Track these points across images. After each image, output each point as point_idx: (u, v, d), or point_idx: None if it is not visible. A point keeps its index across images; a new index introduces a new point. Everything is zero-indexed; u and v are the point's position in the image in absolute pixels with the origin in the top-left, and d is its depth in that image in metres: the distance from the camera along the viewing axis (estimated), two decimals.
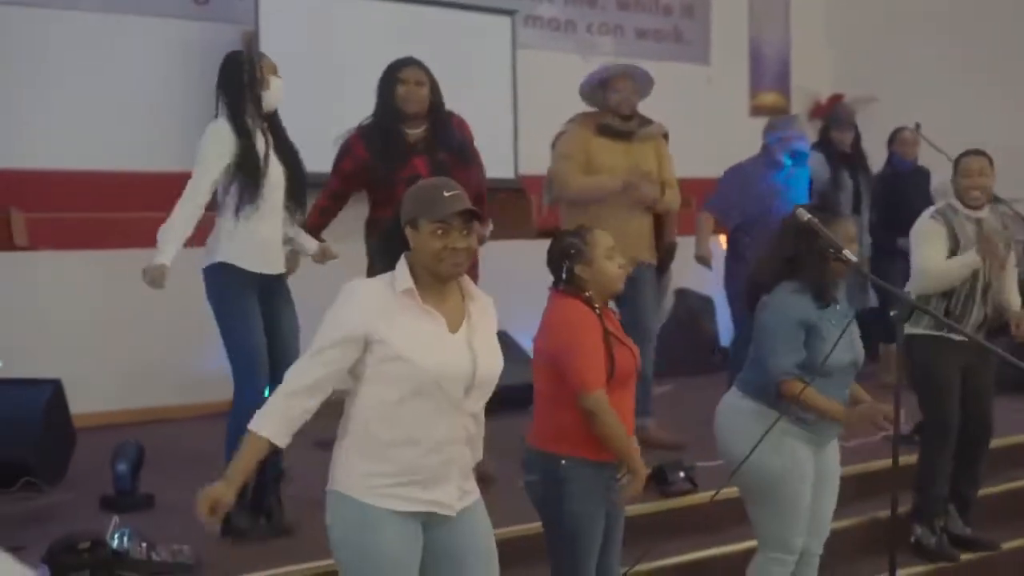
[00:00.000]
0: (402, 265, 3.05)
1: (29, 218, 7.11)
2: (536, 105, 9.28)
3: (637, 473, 3.72)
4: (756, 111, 11.09)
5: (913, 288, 5.25)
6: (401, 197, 4.97)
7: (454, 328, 3.06)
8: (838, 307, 4.15)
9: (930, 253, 5.19)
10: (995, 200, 5.66)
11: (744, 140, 7.58)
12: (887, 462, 4.31)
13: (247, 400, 4.41)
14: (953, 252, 5.20)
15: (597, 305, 3.81)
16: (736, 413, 4.21)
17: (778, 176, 6.74)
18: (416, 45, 8.56)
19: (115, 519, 4.37)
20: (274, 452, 4.45)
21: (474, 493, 3.20)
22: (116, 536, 4.26)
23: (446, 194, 3.03)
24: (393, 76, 5.39)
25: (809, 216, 3.83)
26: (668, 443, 5.88)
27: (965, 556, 5.43)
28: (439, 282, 3.05)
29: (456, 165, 5.31)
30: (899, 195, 7.97)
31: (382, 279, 3.06)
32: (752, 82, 11.40)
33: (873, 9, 11.34)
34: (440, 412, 3.01)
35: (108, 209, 7.38)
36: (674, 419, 6.38)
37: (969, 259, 5.19)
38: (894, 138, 8.20)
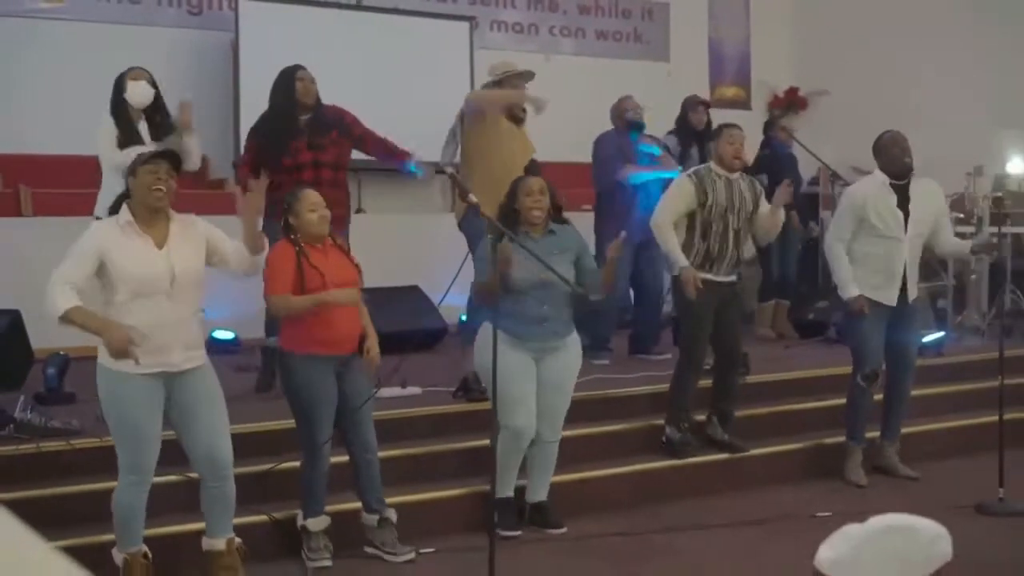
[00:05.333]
0: (124, 208, 4.57)
1: (35, 192, 8.76)
2: None
3: (335, 299, 5.13)
4: (716, 103, 12.23)
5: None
6: (284, 180, 6.60)
7: (160, 245, 4.58)
8: (537, 241, 5.56)
9: (667, 206, 6.52)
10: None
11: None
12: None
13: None
14: (702, 203, 6.47)
15: (303, 243, 5.23)
16: (478, 333, 5.69)
17: (628, 143, 8.13)
18: (383, 51, 10.10)
19: (22, 397, 5.97)
20: None
21: (199, 359, 4.73)
22: (20, 408, 5.84)
23: (154, 152, 4.60)
24: (292, 76, 6.91)
25: (452, 171, 5.26)
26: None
27: (717, 456, 6.71)
28: (150, 214, 4.56)
29: (335, 143, 6.85)
30: (776, 174, 9.24)
31: (110, 220, 4.59)
32: (712, 76, 12.63)
33: (832, 6, 12.46)
34: (156, 302, 4.52)
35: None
36: None
37: (676, 261, 6.48)
38: (774, 124, 9.45)
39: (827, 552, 2.57)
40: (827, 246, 6.84)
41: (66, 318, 4.34)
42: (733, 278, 6.67)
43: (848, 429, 6.82)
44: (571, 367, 5.85)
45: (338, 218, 6.98)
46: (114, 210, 4.66)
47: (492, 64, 7.86)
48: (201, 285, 4.74)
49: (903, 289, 6.63)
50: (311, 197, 5.30)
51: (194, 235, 4.73)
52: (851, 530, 2.59)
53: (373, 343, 5.32)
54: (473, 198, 5.17)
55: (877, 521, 2.61)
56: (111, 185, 6.10)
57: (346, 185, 7.03)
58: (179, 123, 6.50)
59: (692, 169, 6.76)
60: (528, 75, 7.72)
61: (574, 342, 5.85)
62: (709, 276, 6.52)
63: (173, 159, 4.65)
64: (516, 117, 7.52)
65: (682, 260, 6.45)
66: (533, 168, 5.82)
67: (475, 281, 5.61)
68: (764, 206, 6.72)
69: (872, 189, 6.58)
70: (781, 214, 6.74)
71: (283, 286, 5.18)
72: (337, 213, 7.01)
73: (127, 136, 6.17)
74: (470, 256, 6.94)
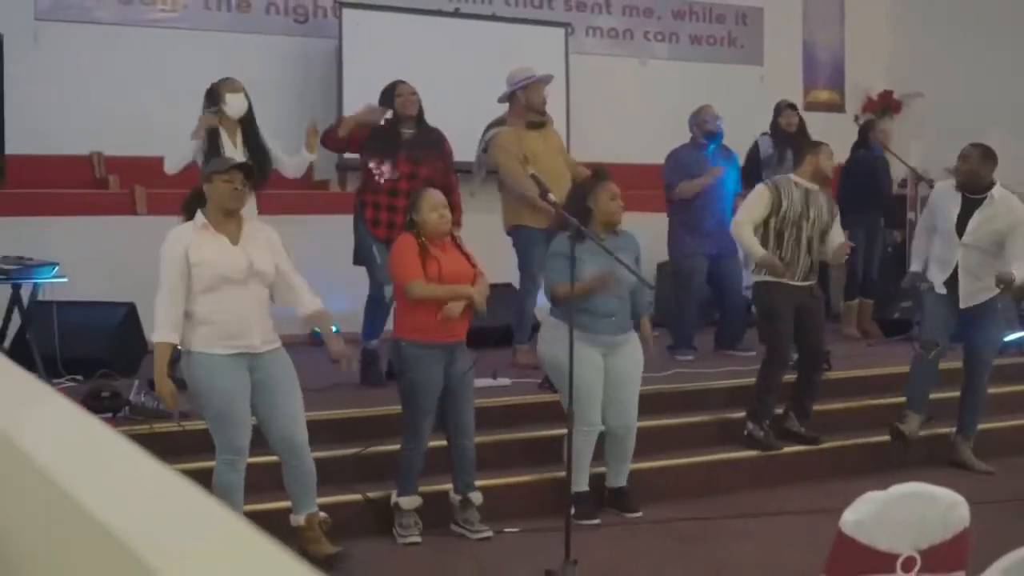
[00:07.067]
0: (199, 214, 5.05)
1: (150, 193, 9.25)
2: (594, 105, 11.00)
3: (470, 296, 5.55)
4: (810, 107, 12.33)
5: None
6: (380, 187, 6.87)
7: (235, 243, 5.04)
8: (604, 242, 5.83)
9: (747, 213, 6.83)
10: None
11: None
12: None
13: None
14: (777, 210, 6.73)
15: (424, 239, 5.58)
16: (544, 327, 5.99)
17: (703, 154, 8.38)
18: (480, 57, 10.40)
19: (136, 382, 6.42)
20: None
21: (276, 343, 5.17)
22: (135, 392, 6.29)
23: (225, 158, 5.14)
24: (392, 93, 7.31)
25: (533, 172, 5.57)
26: (533, 364, 7.50)
27: (793, 448, 6.94)
28: (225, 217, 5.04)
29: (429, 159, 7.19)
30: (870, 173, 9.48)
31: (188, 223, 5.06)
32: (806, 80, 12.76)
33: (927, 9, 12.54)
34: (234, 292, 4.99)
35: None
36: None
37: (754, 255, 6.79)
38: (872, 127, 9.66)
39: (850, 515, 2.85)
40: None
41: (155, 346, 4.98)
42: (811, 282, 6.89)
43: (906, 396, 7.04)
44: (637, 360, 6.15)
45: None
46: (189, 215, 5.12)
47: (511, 71, 8.12)
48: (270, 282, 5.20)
49: (957, 290, 6.82)
50: (434, 197, 5.67)
51: (264, 238, 5.19)
52: (873, 495, 2.87)
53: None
54: (552, 197, 5.48)
55: (898, 488, 2.88)
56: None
57: None
58: (307, 146, 6.96)
59: (772, 179, 7.01)
60: (547, 79, 7.99)
61: (635, 338, 6.15)
62: (784, 281, 6.76)
63: (245, 169, 5.13)
64: (537, 122, 7.82)
65: (758, 250, 6.74)
66: (602, 171, 6.12)
67: (552, 282, 5.88)
68: (836, 228, 6.97)
69: (944, 193, 6.91)
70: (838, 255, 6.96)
71: (416, 271, 5.54)
72: None
73: (212, 148, 6.54)
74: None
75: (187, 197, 5.18)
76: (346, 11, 10.17)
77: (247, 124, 6.77)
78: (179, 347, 5.14)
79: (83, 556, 0.99)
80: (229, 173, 5.06)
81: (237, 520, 1.00)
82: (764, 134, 9.11)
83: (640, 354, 6.16)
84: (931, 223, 6.98)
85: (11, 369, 1.63)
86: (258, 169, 6.54)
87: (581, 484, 6.05)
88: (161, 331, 4.96)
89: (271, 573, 0.92)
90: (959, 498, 2.92)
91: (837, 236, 6.93)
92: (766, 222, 6.78)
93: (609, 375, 5.99)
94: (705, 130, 8.57)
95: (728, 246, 8.14)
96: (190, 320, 5.01)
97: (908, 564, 2.82)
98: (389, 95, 7.31)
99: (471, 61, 10.41)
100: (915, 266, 7.10)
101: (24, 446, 1.14)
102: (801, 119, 9.23)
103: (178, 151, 6.62)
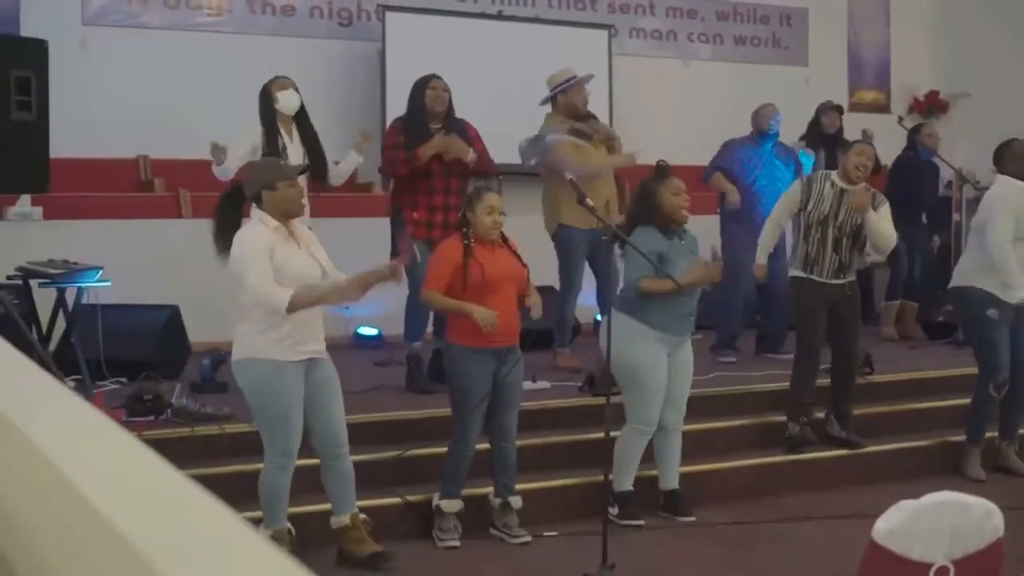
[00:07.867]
0: (261, 214, 4.96)
1: (194, 196, 9.32)
2: (638, 106, 10.98)
3: (472, 313, 5.46)
4: (855, 108, 12.24)
5: None
6: (417, 184, 6.94)
7: (300, 248, 4.99)
8: (683, 240, 5.85)
9: (776, 207, 7.06)
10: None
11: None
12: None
13: None
14: (804, 207, 6.77)
15: (471, 241, 5.57)
16: (615, 323, 5.91)
17: (760, 150, 8.36)
18: (524, 59, 10.39)
19: (178, 384, 6.47)
20: None
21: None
22: (178, 395, 6.35)
23: (283, 163, 5.01)
24: (424, 85, 7.31)
25: (571, 178, 5.56)
26: (573, 367, 7.57)
27: (836, 452, 6.89)
28: (286, 220, 4.98)
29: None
30: (915, 176, 9.40)
31: (254, 225, 4.96)
32: (851, 81, 12.66)
33: (973, 8, 12.41)
34: None
35: None
36: None
37: (763, 248, 7.05)
38: (920, 130, 9.60)
39: (883, 524, 2.83)
40: (999, 247, 6.65)
41: (292, 306, 4.76)
42: (843, 280, 6.82)
43: (969, 432, 6.93)
44: (691, 353, 6.15)
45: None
46: (229, 211, 5.03)
47: (551, 75, 8.11)
48: None
49: None
50: (491, 200, 5.64)
51: (316, 241, 5.18)
52: (906, 504, 2.84)
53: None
54: (590, 202, 5.47)
55: (931, 497, 2.86)
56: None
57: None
58: (356, 147, 7.05)
59: (809, 175, 7.11)
60: (588, 78, 8.05)
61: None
62: (813, 276, 6.77)
63: (305, 170, 5.14)
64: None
65: (760, 257, 7.05)
66: (664, 168, 6.09)
67: (640, 275, 5.80)
68: (883, 214, 6.81)
69: (1019, 193, 6.70)
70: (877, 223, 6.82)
71: (437, 283, 5.58)
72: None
73: (272, 147, 6.59)
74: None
75: (225, 196, 5.10)
76: (389, 14, 10.20)
77: (301, 119, 6.83)
78: (228, 352, 5.15)
79: (85, 549, 1.01)
80: (291, 178, 4.99)
81: (237, 519, 1.00)
82: (801, 138, 9.12)
83: (691, 350, 6.14)
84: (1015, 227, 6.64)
85: (22, 361, 1.66)
86: (316, 164, 6.63)
87: (626, 484, 6.04)
88: (282, 295, 4.73)
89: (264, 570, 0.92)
90: (993, 507, 2.89)
91: (883, 217, 6.77)
92: (799, 217, 6.93)
93: (671, 368, 5.96)
94: (759, 129, 8.55)
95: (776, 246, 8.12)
96: (256, 324, 4.93)
97: (941, 573, 2.79)
98: (421, 88, 7.30)
99: (514, 64, 10.40)
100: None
101: (31, 435, 1.15)
102: (842, 121, 9.20)
103: (236, 157, 6.60)
